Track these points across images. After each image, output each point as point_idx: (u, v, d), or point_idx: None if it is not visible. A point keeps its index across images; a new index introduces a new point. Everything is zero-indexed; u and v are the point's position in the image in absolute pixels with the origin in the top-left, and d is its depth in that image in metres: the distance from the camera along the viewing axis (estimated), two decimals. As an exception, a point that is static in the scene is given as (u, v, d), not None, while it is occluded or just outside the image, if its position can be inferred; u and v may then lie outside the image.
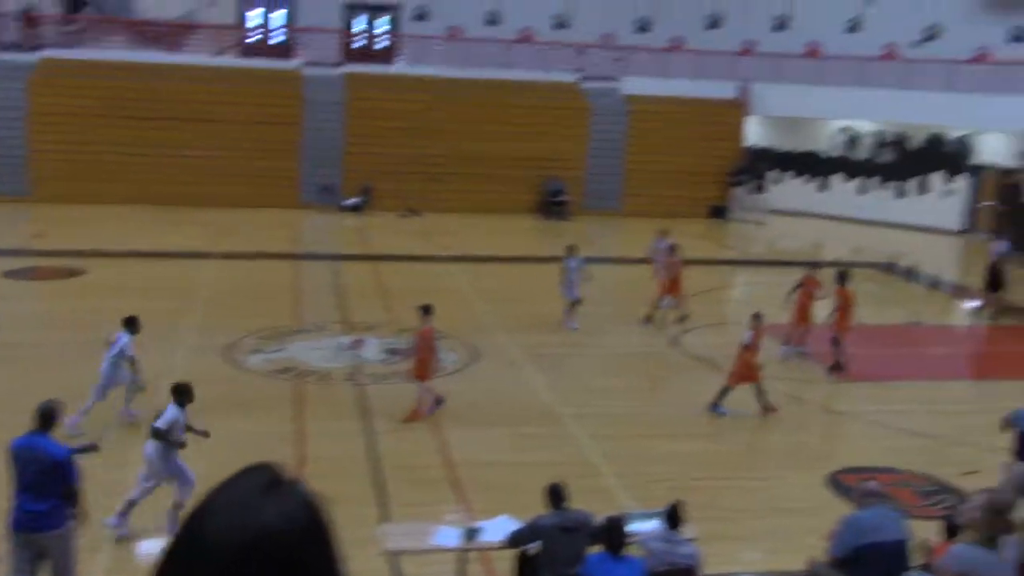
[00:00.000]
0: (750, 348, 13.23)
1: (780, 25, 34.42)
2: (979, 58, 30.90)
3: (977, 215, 30.36)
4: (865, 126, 31.99)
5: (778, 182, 32.72)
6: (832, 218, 31.54)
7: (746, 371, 13.23)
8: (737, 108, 32.26)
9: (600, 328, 18.51)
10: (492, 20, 34.35)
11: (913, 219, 30.68)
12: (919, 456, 12.42)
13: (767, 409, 13.29)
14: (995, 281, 20.15)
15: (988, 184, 30.03)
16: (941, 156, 31.03)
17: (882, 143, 31.96)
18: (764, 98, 32.01)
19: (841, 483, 11.25)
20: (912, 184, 31.47)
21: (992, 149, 29.68)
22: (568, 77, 32.40)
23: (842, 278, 15.50)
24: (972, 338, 19.84)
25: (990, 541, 5.21)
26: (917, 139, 31.34)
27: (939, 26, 32.07)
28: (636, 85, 32.23)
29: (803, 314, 16.29)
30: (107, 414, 11.81)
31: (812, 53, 33.40)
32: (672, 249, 18.06)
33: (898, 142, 31.72)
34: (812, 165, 32.83)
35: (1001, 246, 20.96)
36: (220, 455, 9.47)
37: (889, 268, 24.81)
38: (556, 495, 7.95)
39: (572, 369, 15.51)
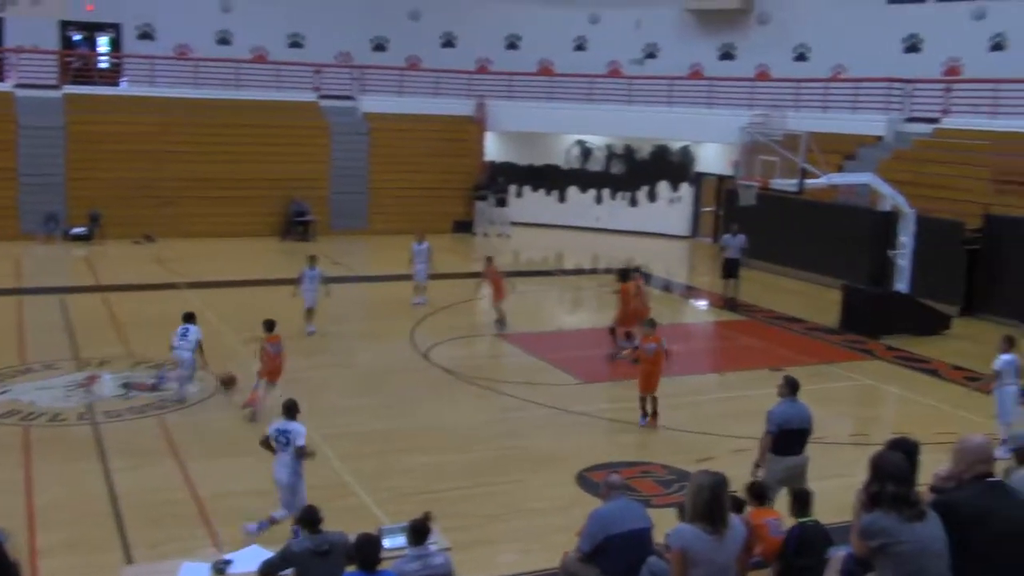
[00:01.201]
0: (655, 358, 13.65)
1: (512, 44, 35.56)
2: (693, 75, 33.17)
3: (700, 220, 32.55)
4: (596, 140, 33.56)
5: (519, 195, 33.72)
6: (572, 228, 32.89)
7: (652, 379, 13.69)
8: (475, 124, 32.99)
9: (351, 347, 18.35)
10: (223, 39, 33.43)
11: (645, 226, 32.53)
12: (658, 447, 13.08)
13: (654, 415, 13.85)
14: (730, 271, 22.38)
15: (708, 191, 32.24)
16: (666, 166, 33.05)
17: (612, 155, 33.65)
18: (500, 114, 32.92)
19: (588, 480, 11.67)
20: (642, 193, 33.33)
21: (710, 159, 31.88)
22: (306, 97, 32.03)
23: (624, 275, 17.61)
24: (704, 334, 21.17)
25: (711, 522, 5.52)
26: (644, 151, 33.22)
27: (657, 45, 34.20)
28: (375, 103, 32.34)
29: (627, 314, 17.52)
30: None
31: (544, 71, 34.72)
32: (489, 261, 19.51)
33: (627, 154, 33.49)
34: (550, 178, 34.07)
35: (737, 240, 22.61)
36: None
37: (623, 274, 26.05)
38: (308, 519, 7.77)
39: (322, 390, 15.25)
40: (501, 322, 19.19)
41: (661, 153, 33.08)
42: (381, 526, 8.94)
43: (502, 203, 32.32)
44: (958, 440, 5.81)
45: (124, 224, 27.76)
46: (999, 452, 12.44)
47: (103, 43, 32.99)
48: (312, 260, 18.71)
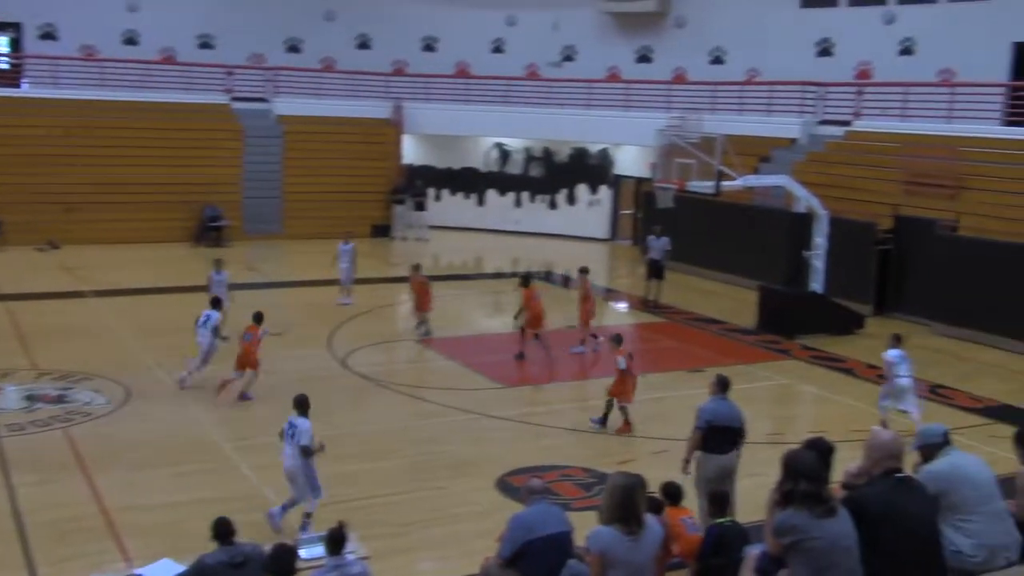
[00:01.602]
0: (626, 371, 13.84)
1: (429, 46, 35.52)
2: (611, 78, 33.54)
3: (619, 223, 32.89)
4: (515, 142, 33.69)
5: (438, 199, 33.67)
6: (491, 231, 32.96)
7: (627, 388, 13.83)
8: (392, 127, 32.86)
9: (265, 355, 18.07)
10: (130, 40, 32.76)
11: (564, 229, 32.76)
12: (579, 451, 13.18)
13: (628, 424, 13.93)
14: (655, 273, 22.93)
15: (627, 194, 32.61)
16: (585, 169, 33.34)
17: (531, 158, 33.82)
18: (418, 117, 32.85)
19: (509, 484, 11.71)
20: (561, 196, 33.56)
21: (629, 161, 32.25)
22: (217, 99, 31.55)
23: (526, 281, 18.06)
24: (624, 337, 21.33)
25: (626, 523, 5.58)
26: (563, 153, 33.46)
27: (575, 47, 34.49)
28: (289, 106, 32.02)
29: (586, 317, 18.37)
30: None
31: (461, 73, 34.75)
32: (415, 269, 19.31)
33: (546, 157, 33.69)
34: (469, 181, 34.10)
35: (661, 242, 22.96)
36: None
37: (547, 277, 26.20)
38: (221, 531, 7.64)
39: (236, 400, 15.02)
40: (423, 327, 19.06)
41: (580, 156, 33.36)
42: (297, 537, 8.85)
43: (420, 207, 32.24)
44: (868, 436, 5.99)
45: (27, 230, 27.00)
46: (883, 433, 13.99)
47: (2, 43, 32.07)
48: (218, 263, 18.68)
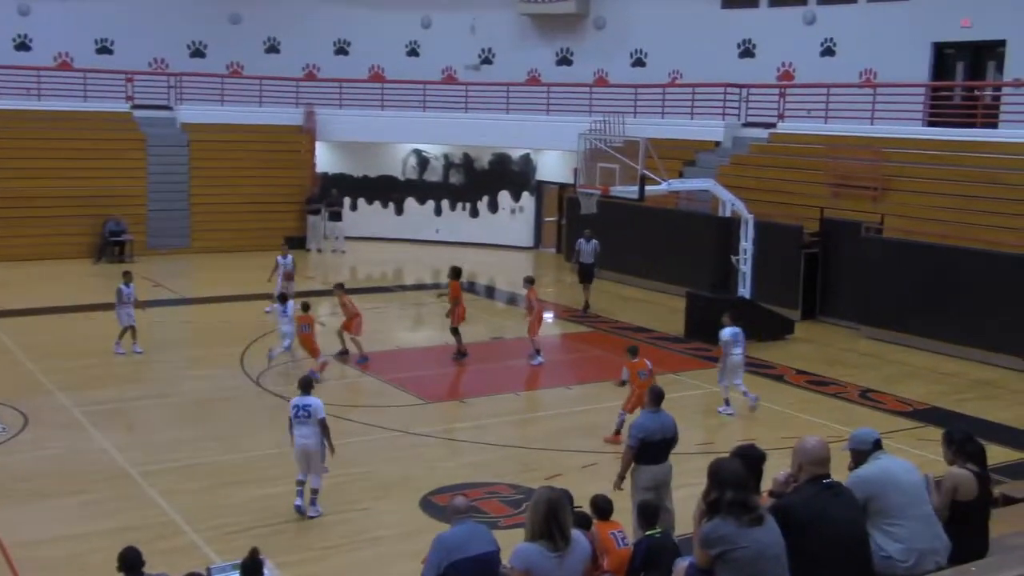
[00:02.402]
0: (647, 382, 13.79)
1: (341, 50, 35.37)
2: (531, 81, 33.76)
3: (543, 230, 33.07)
4: (434, 149, 33.66)
5: (354, 208, 33.46)
6: (410, 241, 32.84)
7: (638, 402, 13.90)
8: (305, 134, 32.60)
9: (173, 375, 17.82)
10: (22, 45, 32.03)
11: (487, 238, 32.78)
12: (505, 467, 13.21)
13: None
14: (586, 276, 23.47)
15: (550, 200, 32.81)
16: (507, 175, 33.45)
17: (451, 165, 33.82)
18: (331, 123, 32.64)
19: (433, 504, 11.69)
20: (483, 203, 33.59)
21: (551, 166, 32.45)
22: (118, 107, 30.98)
23: (455, 274, 18.84)
24: (551, 347, 21.46)
25: (551, 539, 5.61)
26: (483, 160, 33.53)
27: (492, 50, 34.64)
28: (195, 113, 31.56)
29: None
30: None
31: (375, 77, 34.66)
32: (339, 287, 19.02)
33: (466, 163, 33.71)
34: (386, 189, 33.95)
35: (591, 245, 23.22)
36: None
37: (470, 287, 26.21)
38: (129, 562, 7.53)
39: (144, 423, 14.79)
40: (350, 351, 18.74)
41: (501, 162, 33.48)
42: (210, 565, 8.72)
43: (336, 217, 32.00)
44: (796, 442, 6.13)
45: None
46: (721, 410, 15.73)
47: None
48: (127, 276, 18.80)
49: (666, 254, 25.49)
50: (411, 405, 15.93)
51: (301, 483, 11.46)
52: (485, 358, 19.16)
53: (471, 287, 26.00)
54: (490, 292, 26.17)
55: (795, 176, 25.08)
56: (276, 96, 32.98)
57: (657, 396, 10.45)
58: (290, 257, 21.98)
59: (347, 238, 31.78)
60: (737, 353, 15.62)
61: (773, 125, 28.02)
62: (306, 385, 11.61)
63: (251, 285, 23.53)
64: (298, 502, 11.40)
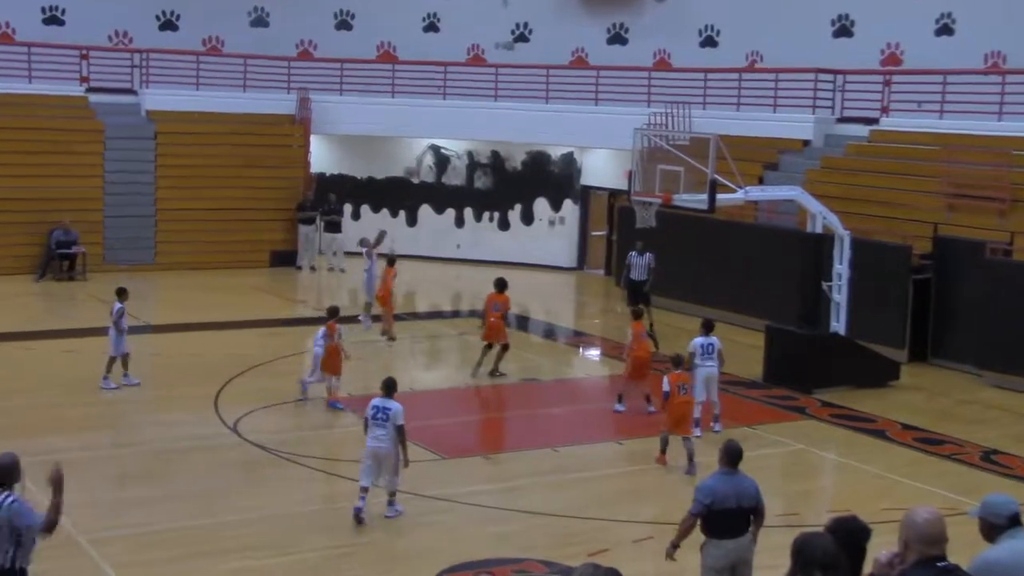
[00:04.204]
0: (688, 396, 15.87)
1: (344, 23, 35.62)
2: (576, 63, 33.86)
3: (588, 247, 33.04)
4: (455, 145, 33.76)
5: (356, 217, 33.63)
6: (425, 259, 32.79)
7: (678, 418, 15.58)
8: (297, 126, 32.88)
9: (133, 420, 17.95)
10: (-44, 14, 32.57)
11: (519, 256, 32.65)
12: (540, 539, 13.19)
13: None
14: (636, 297, 23.10)
15: (598, 210, 32.82)
16: (545, 179, 33.48)
17: (476, 165, 33.90)
18: (330, 113, 32.87)
19: (451, 585, 11.70)
20: (515, 213, 33.61)
21: (599, 169, 32.48)
22: (70, 90, 31.34)
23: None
24: (596, 392, 21.44)
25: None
26: (516, 159, 33.60)
27: (529, 26, 34.76)
28: (164, 98, 31.84)
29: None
30: None
31: (385, 57, 34.89)
32: (332, 313, 19.03)
33: (494, 164, 33.79)
34: (397, 195, 34.07)
35: (645, 259, 23.18)
36: None
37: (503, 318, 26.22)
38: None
39: (94, 479, 14.86)
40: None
41: (538, 162, 33.56)
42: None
43: (334, 227, 32.19)
44: (903, 515, 6.09)
45: None
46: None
47: None
48: (121, 294, 19.31)
49: (742, 279, 25.40)
50: (425, 461, 15.90)
51: (365, 490, 13.02)
52: (516, 404, 19.16)
53: (504, 318, 26.04)
54: (523, 323, 26.14)
55: (902, 184, 24.99)
56: (263, 79, 33.25)
57: (733, 454, 10.27)
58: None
59: (347, 254, 31.89)
60: (710, 366, 17.09)
61: (875, 120, 27.96)
62: (389, 386, 13.32)
63: (228, 311, 23.69)
64: (359, 505, 12.99)
